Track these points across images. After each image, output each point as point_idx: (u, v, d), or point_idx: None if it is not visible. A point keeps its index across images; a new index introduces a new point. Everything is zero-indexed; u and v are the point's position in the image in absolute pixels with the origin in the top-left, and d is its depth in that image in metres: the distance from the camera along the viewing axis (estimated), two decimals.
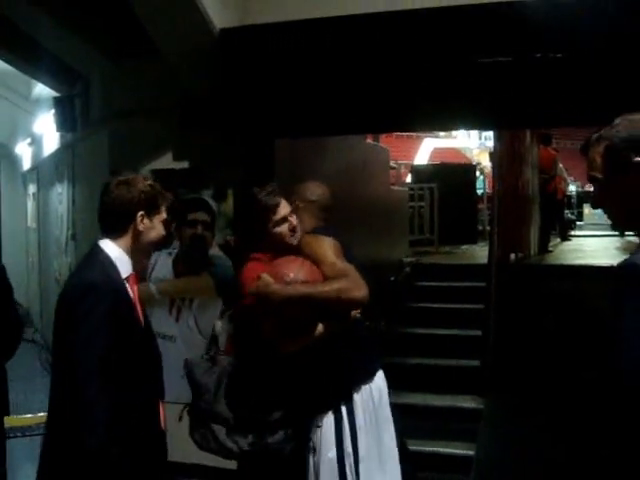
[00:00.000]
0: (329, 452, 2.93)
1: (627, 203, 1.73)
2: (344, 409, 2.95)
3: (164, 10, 4.03)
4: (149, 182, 2.49)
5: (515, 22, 3.69)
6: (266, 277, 2.74)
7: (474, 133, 21.64)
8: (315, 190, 3.25)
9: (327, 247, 2.90)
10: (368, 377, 3.04)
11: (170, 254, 4.99)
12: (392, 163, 11.52)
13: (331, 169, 6.14)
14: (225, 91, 4.41)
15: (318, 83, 4.29)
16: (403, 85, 4.14)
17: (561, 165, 12.90)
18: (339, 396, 2.96)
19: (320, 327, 2.80)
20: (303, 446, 3.01)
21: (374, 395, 3.04)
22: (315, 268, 2.82)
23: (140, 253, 2.52)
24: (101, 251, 2.42)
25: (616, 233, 12.30)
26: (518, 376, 5.25)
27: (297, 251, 2.96)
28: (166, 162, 4.94)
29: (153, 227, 2.49)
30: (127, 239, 2.45)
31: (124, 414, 2.31)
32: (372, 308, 3.13)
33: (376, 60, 4.12)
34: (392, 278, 7.90)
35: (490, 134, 16.75)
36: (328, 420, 2.94)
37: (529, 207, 8.80)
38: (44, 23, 5.13)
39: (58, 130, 6.62)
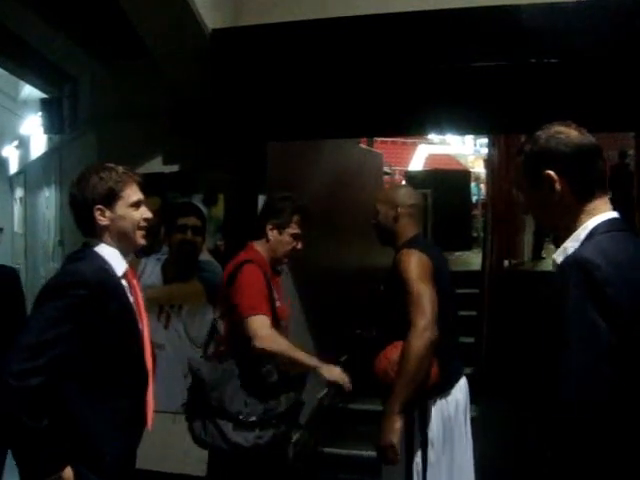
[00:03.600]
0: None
1: (547, 213, 1.89)
2: (417, 417, 2.98)
3: (155, 10, 4.02)
4: (102, 174, 2.43)
5: (510, 27, 3.71)
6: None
7: (469, 140, 21.62)
8: (412, 194, 3.31)
9: (415, 266, 2.94)
10: (445, 389, 3.07)
11: (159, 260, 4.96)
12: (386, 169, 11.54)
13: (324, 173, 6.14)
14: (216, 93, 4.40)
15: (310, 86, 4.29)
16: (396, 89, 4.14)
17: None
18: (412, 403, 2.94)
19: None
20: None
21: (450, 409, 3.07)
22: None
23: (125, 246, 2.49)
24: (91, 250, 2.42)
25: None
26: (511, 383, 5.24)
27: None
28: (156, 166, 4.92)
29: (120, 216, 2.44)
30: (103, 235, 2.44)
31: (111, 419, 2.32)
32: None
33: (370, 63, 4.12)
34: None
35: (485, 141, 16.79)
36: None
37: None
38: (33, 23, 5.11)
39: (46, 132, 6.59)
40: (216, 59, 4.36)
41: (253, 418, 3.03)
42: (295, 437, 4.87)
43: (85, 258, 2.40)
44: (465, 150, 22.44)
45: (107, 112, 5.24)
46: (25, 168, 10.54)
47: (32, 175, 9.86)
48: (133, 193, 2.48)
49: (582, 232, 1.78)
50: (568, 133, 1.82)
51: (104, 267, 2.39)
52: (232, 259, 3.35)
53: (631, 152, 11.36)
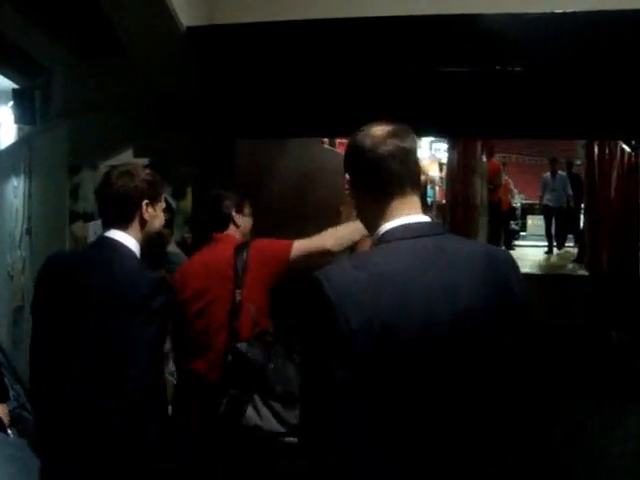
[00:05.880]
0: None
1: (359, 213, 1.76)
2: None
3: (130, 6, 3.92)
4: (148, 171, 2.52)
5: (477, 35, 3.70)
6: None
7: (425, 144, 21.81)
8: None
9: None
10: None
11: None
12: None
13: (289, 171, 6.09)
14: (189, 89, 4.32)
15: (281, 85, 4.23)
16: (363, 91, 4.11)
17: (506, 177, 13.13)
18: None
19: None
20: None
21: None
22: None
23: (145, 243, 2.53)
24: (122, 245, 2.42)
25: (556, 243, 12.57)
26: None
27: None
28: (126, 158, 4.79)
29: (157, 215, 2.53)
30: (135, 229, 2.46)
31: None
32: None
33: (340, 65, 4.08)
34: None
35: (440, 145, 16.92)
36: None
37: (477, 217, 8.92)
38: (6, 14, 4.95)
39: (16, 122, 6.42)
40: (190, 56, 4.26)
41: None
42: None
43: (135, 259, 2.43)
44: (420, 154, 22.61)
45: (79, 105, 5.12)
46: None
47: (0, 164, 9.63)
48: (163, 200, 2.60)
49: (374, 240, 1.67)
50: (368, 136, 1.67)
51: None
52: (217, 250, 3.31)
53: (579, 162, 11.59)
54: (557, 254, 12.19)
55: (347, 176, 1.75)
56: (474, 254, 1.62)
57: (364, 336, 1.42)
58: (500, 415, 1.54)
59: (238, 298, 3.09)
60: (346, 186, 1.81)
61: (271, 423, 2.96)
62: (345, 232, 3.21)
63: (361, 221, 1.77)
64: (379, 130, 1.67)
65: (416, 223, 1.63)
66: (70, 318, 2.33)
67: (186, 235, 4.73)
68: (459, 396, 1.49)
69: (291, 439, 3.60)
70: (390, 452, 1.44)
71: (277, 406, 2.96)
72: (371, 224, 1.69)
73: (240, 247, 3.18)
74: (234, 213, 3.37)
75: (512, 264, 1.66)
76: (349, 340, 1.42)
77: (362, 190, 1.71)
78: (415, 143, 1.71)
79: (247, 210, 3.45)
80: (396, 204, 1.65)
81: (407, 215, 1.64)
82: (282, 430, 2.97)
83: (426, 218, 1.67)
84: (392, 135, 1.66)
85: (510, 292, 1.59)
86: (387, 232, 1.63)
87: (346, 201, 3.37)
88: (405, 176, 1.66)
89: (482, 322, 1.52)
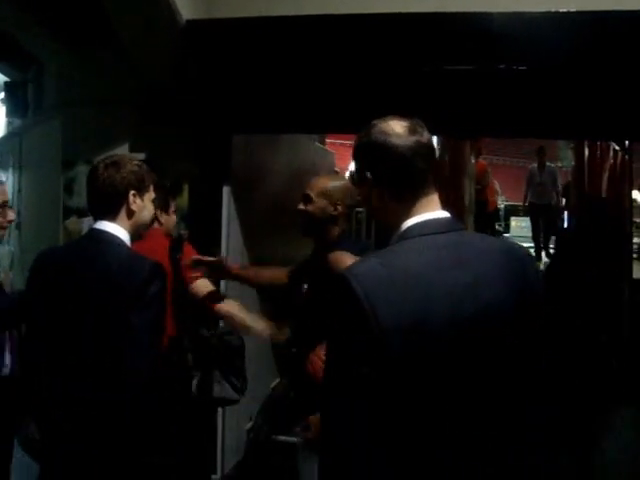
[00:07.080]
0: None
1: (376, 210, 1.71)
2: None
3: None
4: (136, 162, 2.45)
5: (481, 33, 3.66)
6: None
7: None
8: (351, 192, 3.01)
9: None
10: None
11: None
12: (335, 168, 11.55)
13: (283, 168, 6.04)
14: (185, 83, 4.25)
15: (279, 81, 4.19)
16: (363, 88, 4.08)
17: (492, 177, 13.17)
18: None
19: None
20: None
21: None
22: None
23: (134, 235, 2.47)
24: (113, 235, 2.37)
25: (543, 245, 12.55)
26: None
27: None
28: (122, 153, 4.70)
29: (145, 206, 2.46)
30: (123, 220, 2.40)
31: None
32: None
33: (337, 62, 4.05)
34: None
35: None
36: None
37: (465, 217, 8.93)
38: None
39: (8, 116, 6.29)
40: (188, 50, 4.19)
41: None
42: (249, 425, 4.77)
43: (127, 247, 2.40)
44: None
45: (74, 98, 5.00)
46: None
47: None
48: (152, 191, 2.53)
49: (395, 237, 1.62)
50: (390, 133, 1.62)
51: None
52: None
53: (560, 164, 11.62)
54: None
55: (367, 174, 1.66)
56: (494, 250, 1.62)
57: (394, 333, 1.40)
58: (515, 412, 1.53)
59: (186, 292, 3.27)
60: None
61: (230, 393, 3.33)
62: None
63: (377, 217, 1.72)
64: (398, 126, 1.63)
65: (438, 219, 1.61)
66: (66, 312, 2.29)
67: (182, 232, 4.64)
68: (481, 393, 1.48)
69: (286, 438, 3.71)
70: (422, 450, 1.43)
71: (234, 380, 3.30)
72: (392, 220, 1.65)
73: (174, 246, 3.29)
74: (159, 212, 3.37)
75: (530, 260, 1.67)
76: (380, 338, 1.40)
77: (384, 188, 1.65)
78: (430, 136, 1.68)
79: (172, 208, 3.54)
80: (420, 201, 1.63)
81: (431, 211, 1.62)
82: (237, 398, 3.37)
83: (446, 214, 1.64)
84: (412, 131, 1.63)
85: (529, 288, 1.59)
86: (409, 228, 1.60)
87: (321, 190, 3.09)
88: (429, 173, 1.65)
89: (504, 318, 1.51)
